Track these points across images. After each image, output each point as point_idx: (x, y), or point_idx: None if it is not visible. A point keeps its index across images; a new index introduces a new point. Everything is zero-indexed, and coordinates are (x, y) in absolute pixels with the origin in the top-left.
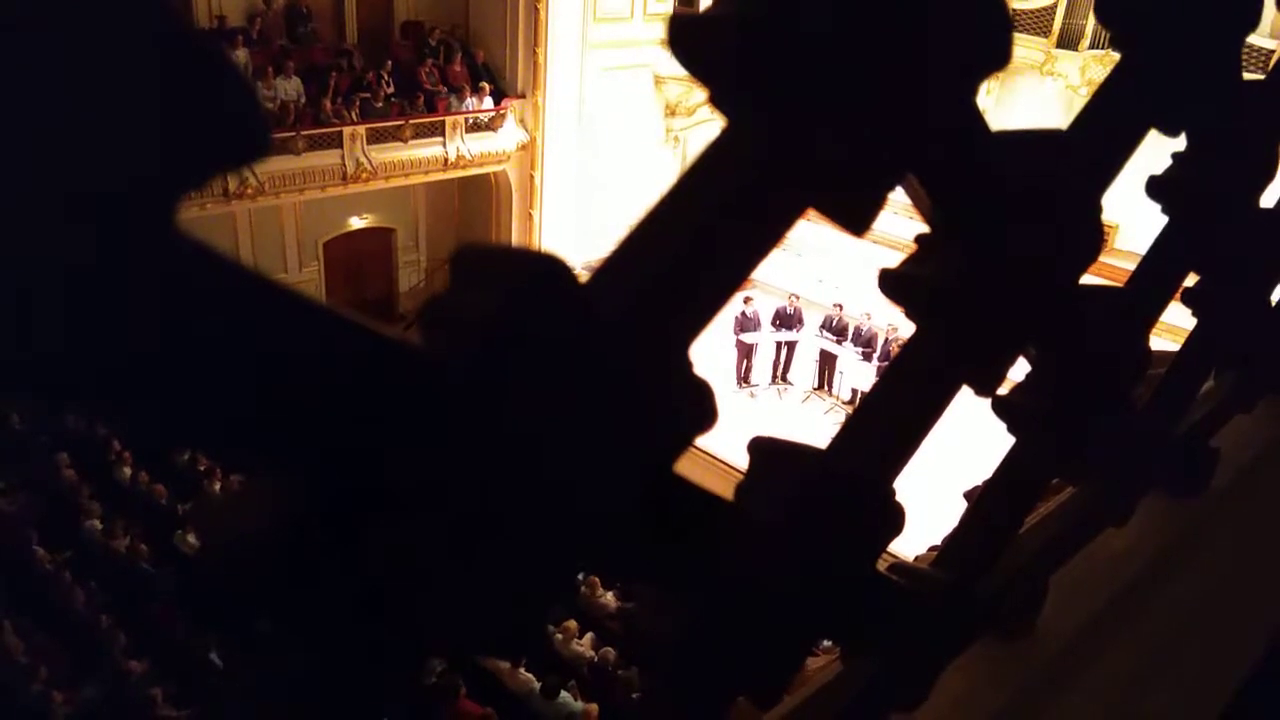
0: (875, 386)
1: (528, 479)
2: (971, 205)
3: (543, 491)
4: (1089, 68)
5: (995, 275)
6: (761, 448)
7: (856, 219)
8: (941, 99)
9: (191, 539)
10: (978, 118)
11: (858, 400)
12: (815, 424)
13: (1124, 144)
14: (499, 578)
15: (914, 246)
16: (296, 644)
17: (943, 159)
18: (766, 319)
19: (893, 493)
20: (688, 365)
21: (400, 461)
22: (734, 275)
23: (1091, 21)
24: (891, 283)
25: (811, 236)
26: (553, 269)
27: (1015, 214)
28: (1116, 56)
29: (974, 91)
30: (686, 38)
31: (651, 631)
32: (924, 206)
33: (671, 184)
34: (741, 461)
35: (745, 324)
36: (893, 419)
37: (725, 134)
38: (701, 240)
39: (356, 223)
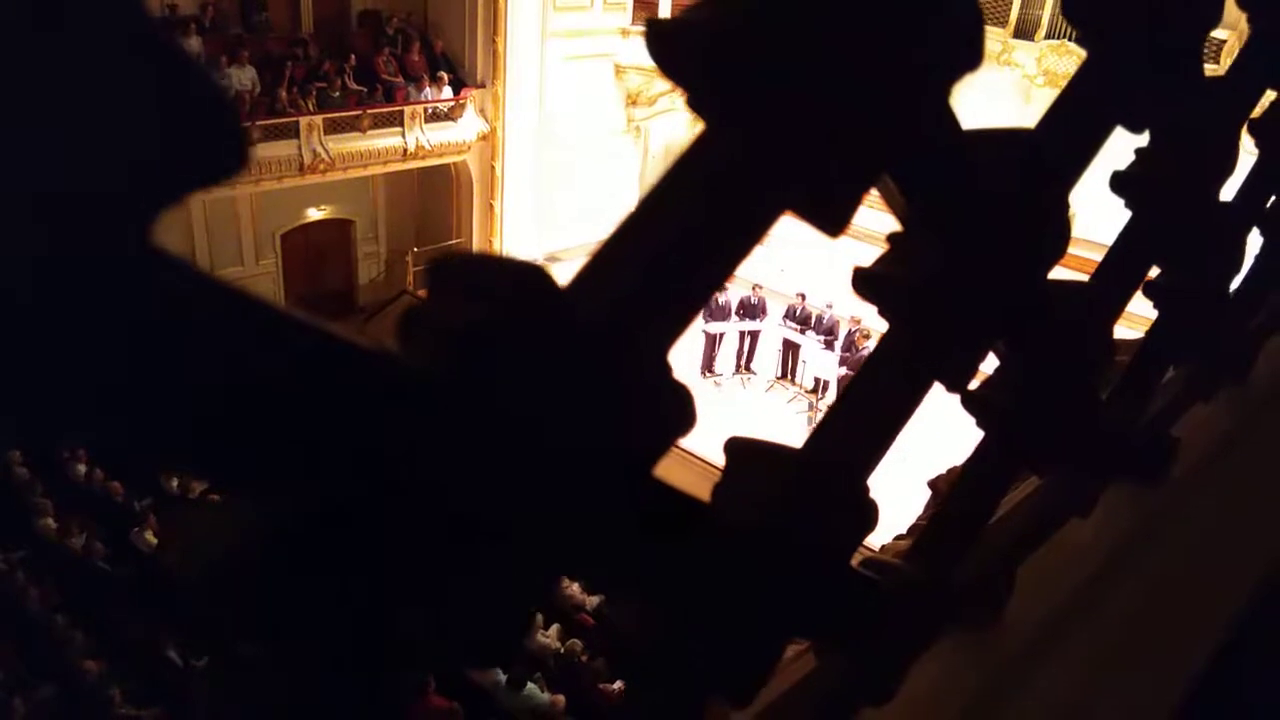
0: (849, 385)
1: (509, 485)
2: (945, 204)
3: (525, 498)
4: (1045, 58)
5: (968, 273)
6: (737, 448)
7: (833, 220)
8: (918, 101)
9: (150, 537)
10: (952, 118)
11: (821, 390)
12: (779, 413)
13: (1091, 142)
14: (481, 585)
15: (885, 245)
16: (278, 657)
17: (918, 160)
18: (732, 309)
19: (867, 490)
20: (667, 369)
21: (381, 471)
22: (712, 278)
23: (1048, 12)
24: (865, 282)
25: (775, 227)
26: (534, 277)
27: (988, 212)
28: (1072, 47)
29: (949, 93)
30: (665, 42)
31: (629, 633)
32: (897, 205)
33: (649, 188)
34: (704, 450)
35: (715, 313)
36: (867, 417)
37: (704, 137)
38: (680, 244)
39: (314, 214)
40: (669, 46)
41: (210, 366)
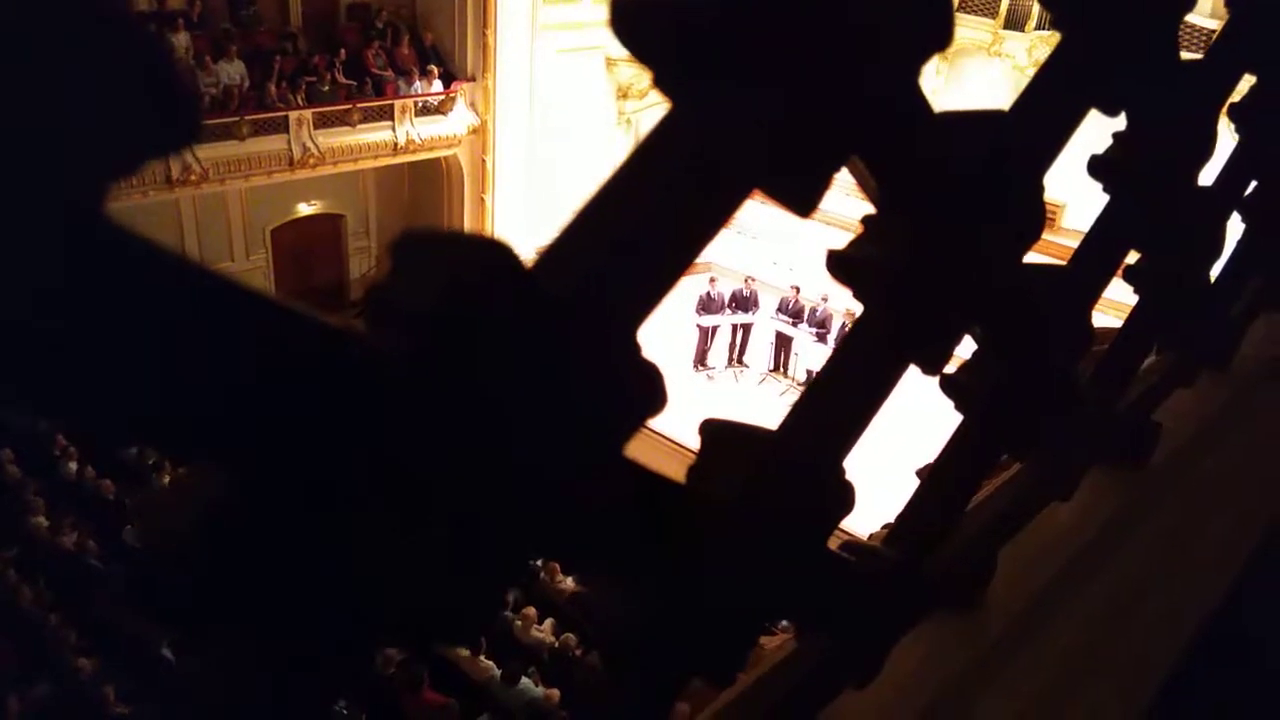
0: (824, 367)
1: (477, 465)
2: (916, 186)
3: (492, 477)
4: (1035, 48)
5: (941, 255)
6: (712, 430)
7: (801, 201)
8: (884, 81)
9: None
10: (921, 99)
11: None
12: (771, 405)
13: (1065, 124)
14: (450, 565)
15: (861, 228)
16: (244, 636)
17: (887, 140)
18: (725, 301)
19: (843, 471)
20: (636, 348)
21: (348, 450)
22: (681, 257)
23: (1037, 2)
24: (838, 264)
25: (767, 219)
26: (498, 254)
27: (959, 194)
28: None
29: (917, 73)
30: (630, 20)
31: (606, 616)
32: (869, 188)
33: (617, 167)
34: (696, 444)
35: (709, 305)
36: (842, 399)
37: (670, 117)
38: (648, 223)
39: (305, 209)
40: (635, 25)
41: (179, 344)
